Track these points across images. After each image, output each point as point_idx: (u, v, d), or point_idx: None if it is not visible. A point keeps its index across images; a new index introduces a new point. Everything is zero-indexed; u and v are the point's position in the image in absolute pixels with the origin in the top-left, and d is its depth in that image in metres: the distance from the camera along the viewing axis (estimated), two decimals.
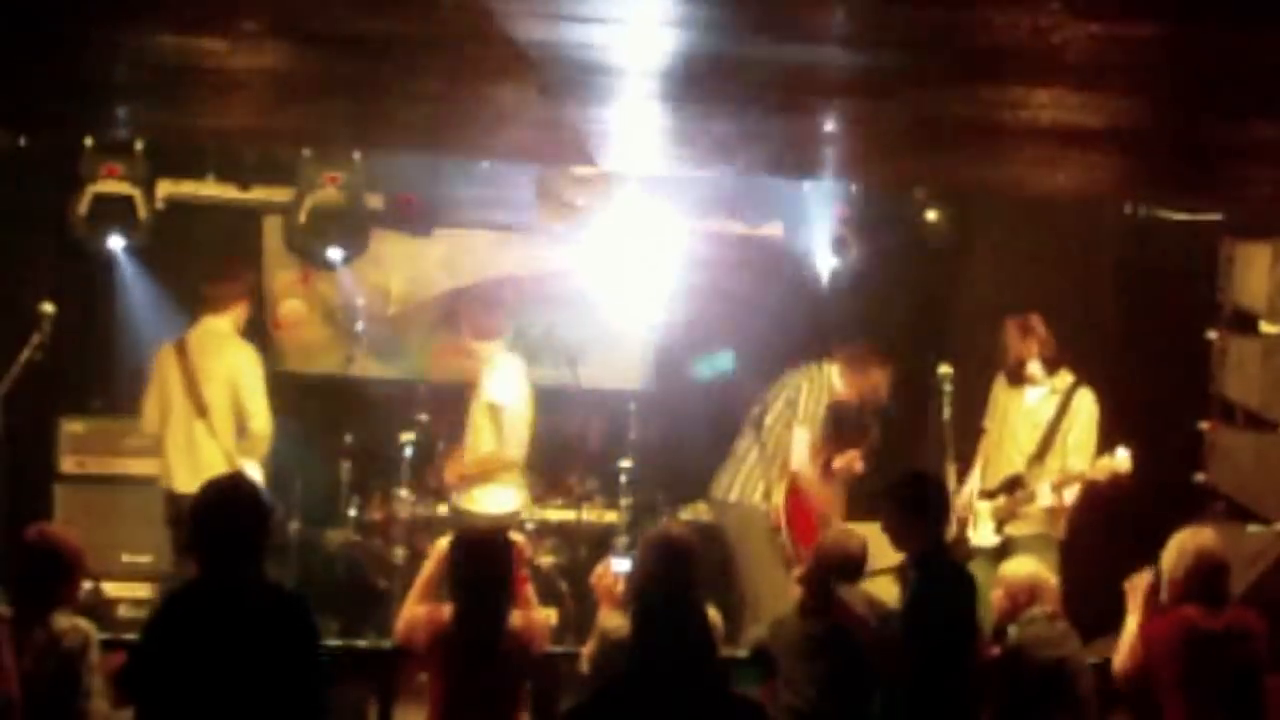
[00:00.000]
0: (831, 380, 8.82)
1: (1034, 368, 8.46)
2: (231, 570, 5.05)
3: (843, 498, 8.94)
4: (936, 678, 6.09)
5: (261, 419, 8.46)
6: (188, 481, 8.05)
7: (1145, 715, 6.30)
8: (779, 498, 8.67)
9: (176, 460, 8.38)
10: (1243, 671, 6.14)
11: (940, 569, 6.35)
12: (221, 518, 5.11)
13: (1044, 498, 8.18)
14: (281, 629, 5.04)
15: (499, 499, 8.69)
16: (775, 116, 7.09)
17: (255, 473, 8.40)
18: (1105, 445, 8.26)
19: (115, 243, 9.01)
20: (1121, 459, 7.98)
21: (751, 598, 8.47)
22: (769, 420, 8.74)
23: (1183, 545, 6.28)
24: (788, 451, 8.64)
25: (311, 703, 5.06)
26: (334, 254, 9.26)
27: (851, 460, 8.79)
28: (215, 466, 8.24)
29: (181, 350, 8.51)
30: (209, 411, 8.40)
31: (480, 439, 8.69)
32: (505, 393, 8.66)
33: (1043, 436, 8.38)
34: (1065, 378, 8.45)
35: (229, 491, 5.30)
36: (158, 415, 8.52)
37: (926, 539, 6.37)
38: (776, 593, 8.22)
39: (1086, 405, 8.35)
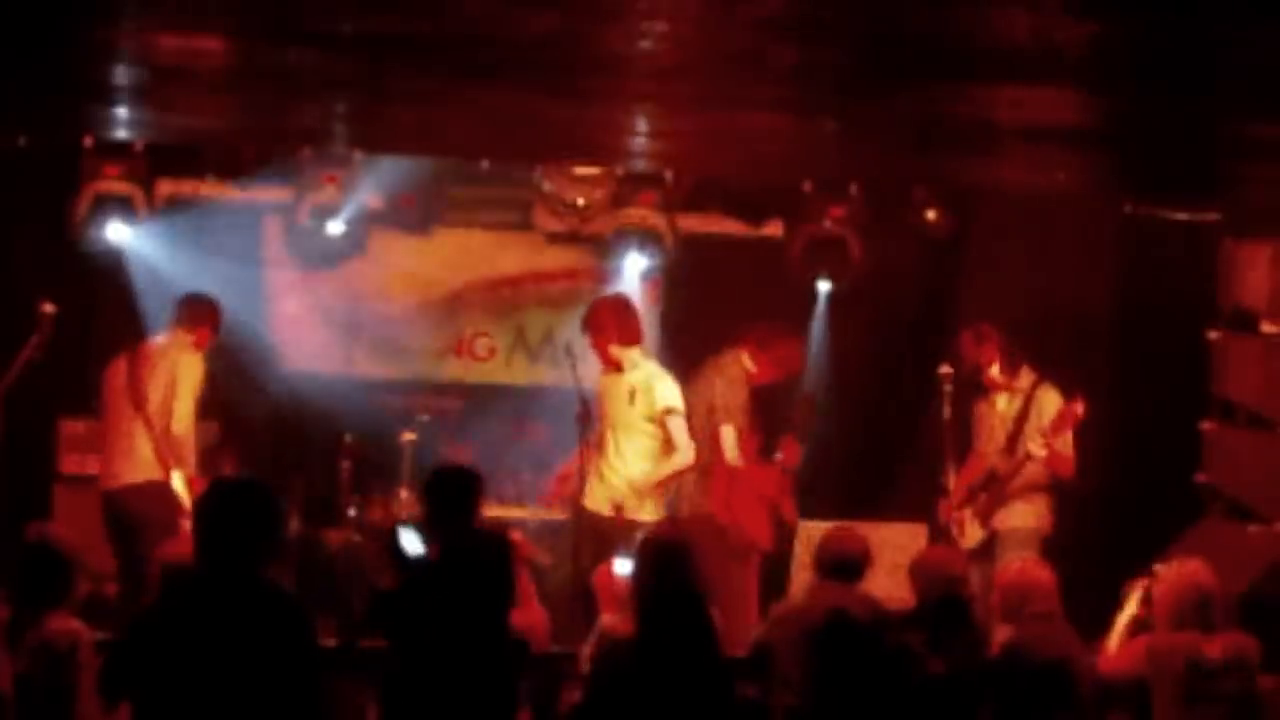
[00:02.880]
0: (744, 365, 8.81)
1: (994, 372, 8.49)
2: (227, 569, 5.03)
3: (785, 481, 8.88)
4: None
5: (183, 424, 8.31)
6: (129, 476, 8.25)
7: (1143, 717, 6.31)
8: (722, 496, 8.67)
9: (115, 458, 8.42)
10: (1242, 698, 6.18)
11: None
12: (222, 516, 5.10)
13: (1037, 450, 8.20)
14: (272, 630, 5.02)
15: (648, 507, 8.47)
16: (775, 116, 7.10)
17: (179, 483, 8.30)
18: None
19: (115, 242, 9.01)
20: (1076, 406, 8.17)
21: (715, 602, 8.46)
22: (696, 425, 8.77)
23: (1173, 578, 6.31)
24: (720, 451, 8.64)
25: (305, 705, 5.04)
26: (334, 229, 9.20)
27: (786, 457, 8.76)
28: (149, 462, 8.28)
29: (133, 356, 8.49)
30: (145, 405, 8.35)
31: (646, 448, 8.41)
32: (679, 398, 8.45)
33: (1010, 432, 8.43)
34: (1027, 377, 8.49)
35: (234, 491, 5.29)
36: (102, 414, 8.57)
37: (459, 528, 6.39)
38: (734, 591, 8.22)
39: (1050, 399, 8.38)
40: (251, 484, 5.57)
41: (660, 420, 8.35)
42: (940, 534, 8.42)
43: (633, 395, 8.39)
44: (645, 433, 8.37)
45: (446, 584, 6.04)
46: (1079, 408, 8.20)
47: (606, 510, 8.23)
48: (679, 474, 8.44)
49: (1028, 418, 8.41)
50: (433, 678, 5.80)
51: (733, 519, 8.60)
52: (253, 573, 5.03)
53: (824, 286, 9.46)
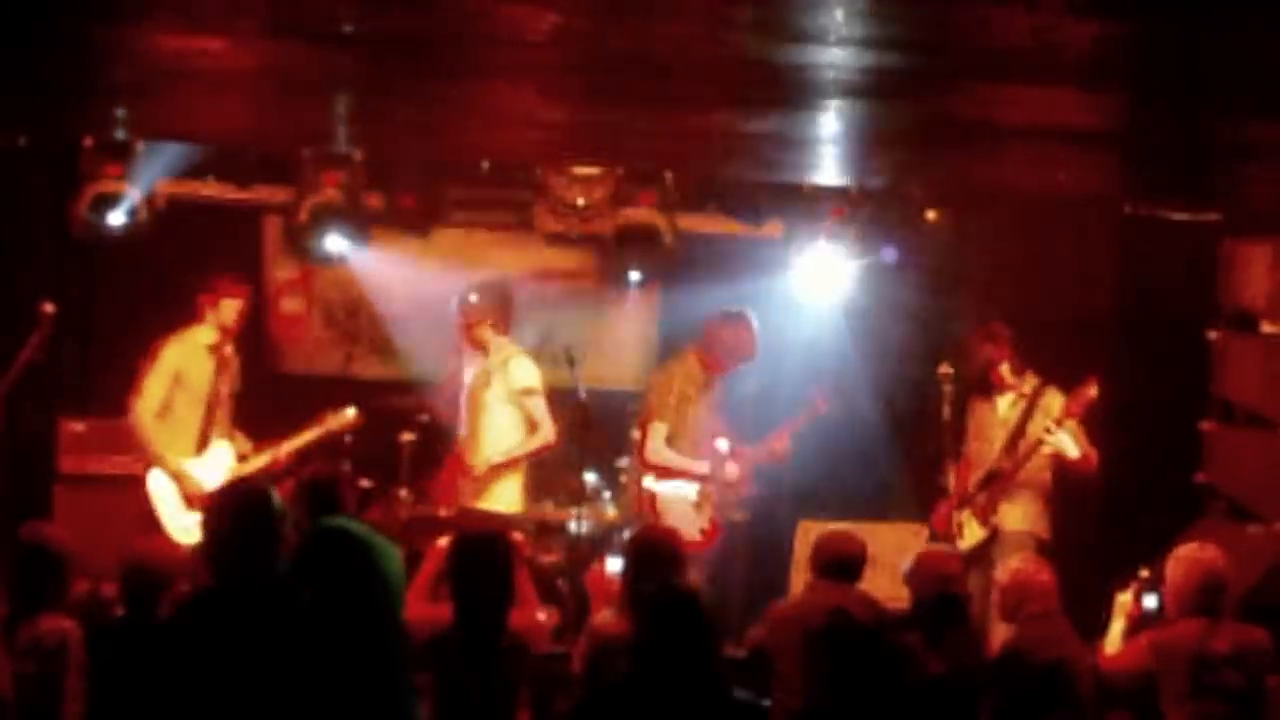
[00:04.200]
0: (692, 364, 8.75)
1: (1004, 370, 8.47)
2: (244, 576, 5.02)
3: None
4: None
5: (143, 409, 8.32)
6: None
7: (1145, 716, 6.31)
8: (647, 495, 8.67)
9: None
10: (1248, 692, 6.16)
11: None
12: (230, 523, 5.09)
13: (1048, 438, 8.17)
14: (294, 632, 5.02)
15: (508, 496, 8.64)
16: (775, 116, 7.09)
17: (153, 480, 8.29)
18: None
19: (115, 242, 9.01)
20: (1090, 388, 8.13)
21: None
22: (635, 433, 8.77)
23: (1188, 559, 6.30)
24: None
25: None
26: (334, 245, 9.25)
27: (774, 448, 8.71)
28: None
29: None
30: None
31: (504, 429, 8.62)
32: (536, 379, 8.62)
33: (1012, 432, 8.41)
34: (1031, 381, 8.48)
35: (238, 498, 5.29)
36: None
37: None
38: None
39: (1055, 402, 8.37)
40: (249, 488, 5.58)
41: (518, 400, 8.51)
42: (938, 539, 8.38)
43: (489, 377, 8.57)
44: (502, 414, 8.52)
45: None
46: (1092, 389, 8.15)
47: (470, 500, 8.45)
48: (538, 452, 8.58)
49: (1031, 419, 8.38)
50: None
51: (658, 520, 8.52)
52: (265, 582, 5.02)
53: (823, 286, 9.47)
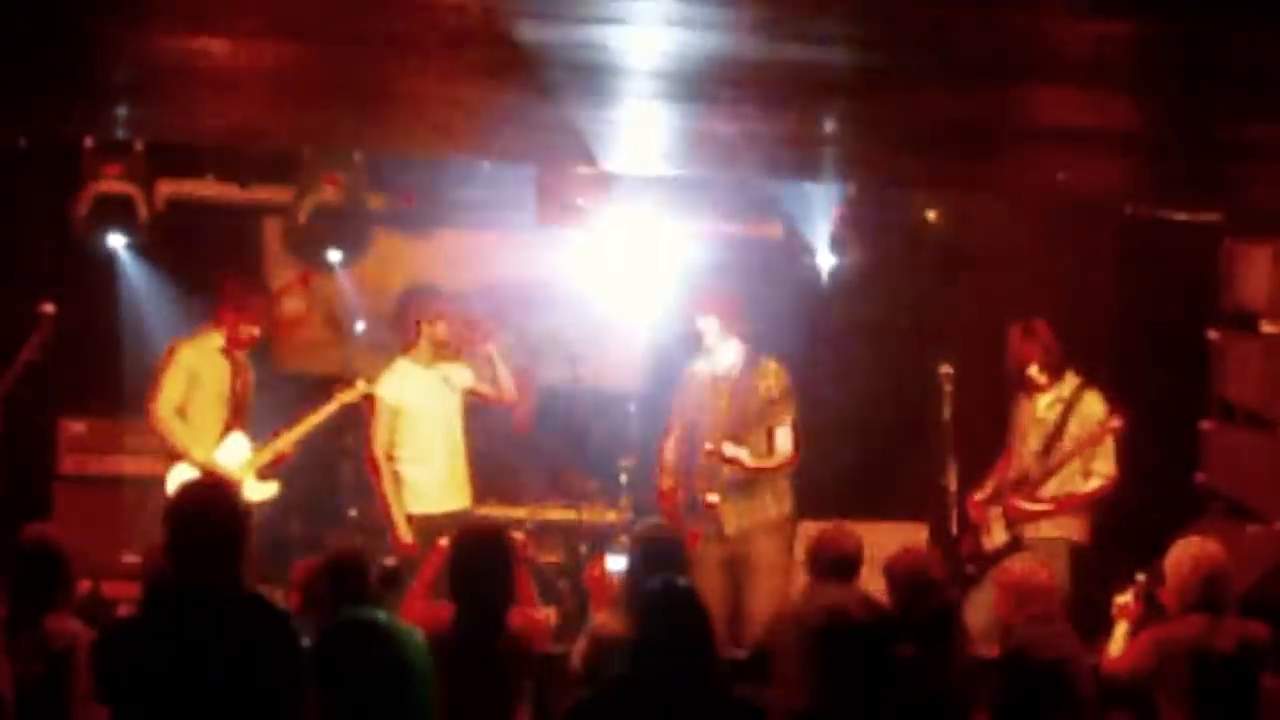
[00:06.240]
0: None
1: (1033, 372, 8.41)
2: (210, 577, 4.95)
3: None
4: None
5: (159, 409, 8.30)
6: None
7: (1145, 716, 6.30)
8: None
9: None
10: (1250, 688, 6.16)
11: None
12: (196, 522, 5.01)
13: (1088, 485, 8.25)
14: (260, 641, 4.95)
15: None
16: (775, 116, 7.10)
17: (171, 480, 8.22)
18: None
19: (116, 242, 9.02)
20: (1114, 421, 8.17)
21: None
22: None
23: (1188, 554, 6.28)
24: None
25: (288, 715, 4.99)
26: (334, 256, 9.28)
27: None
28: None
29: None
30: None
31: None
32: None
33: (1049, 434, 8.35)
34: (1070, 383, 8.41)
35: (204, 495, 5.22)
36: None
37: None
38: None
39: (1092, 408, 8.31)
40: (216, 484, 5.53)
41: (461, 399, 8.59)
42: (970, 531, 8.34)
43: (449, 381, 8.55)
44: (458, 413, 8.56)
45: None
46: (1116, 423, 8.13)
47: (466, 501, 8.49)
48: None
49: (1067, 425, 8.32)
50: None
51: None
52: (234, 581, 4.95)
53: (821, 287, 9.47)
